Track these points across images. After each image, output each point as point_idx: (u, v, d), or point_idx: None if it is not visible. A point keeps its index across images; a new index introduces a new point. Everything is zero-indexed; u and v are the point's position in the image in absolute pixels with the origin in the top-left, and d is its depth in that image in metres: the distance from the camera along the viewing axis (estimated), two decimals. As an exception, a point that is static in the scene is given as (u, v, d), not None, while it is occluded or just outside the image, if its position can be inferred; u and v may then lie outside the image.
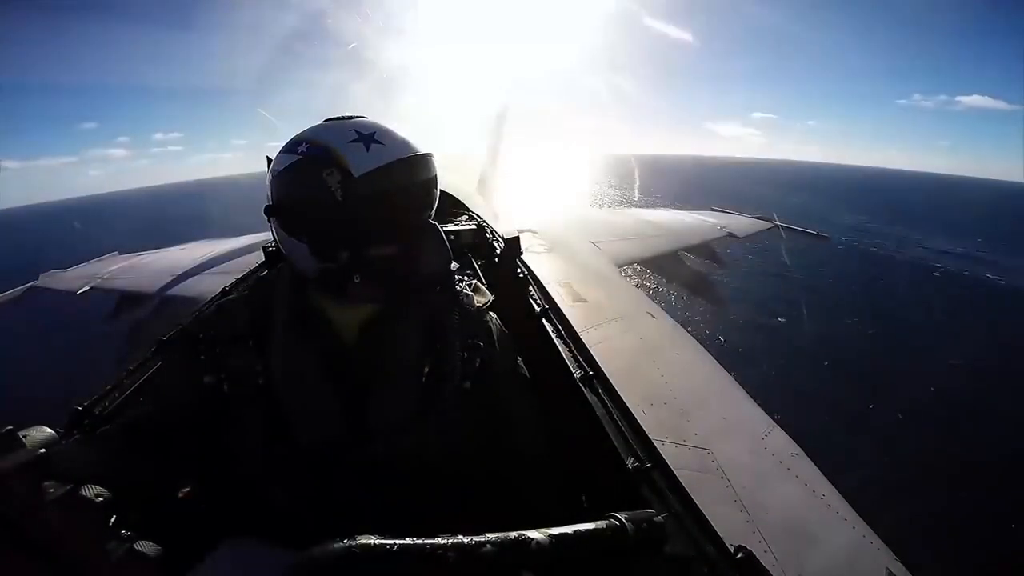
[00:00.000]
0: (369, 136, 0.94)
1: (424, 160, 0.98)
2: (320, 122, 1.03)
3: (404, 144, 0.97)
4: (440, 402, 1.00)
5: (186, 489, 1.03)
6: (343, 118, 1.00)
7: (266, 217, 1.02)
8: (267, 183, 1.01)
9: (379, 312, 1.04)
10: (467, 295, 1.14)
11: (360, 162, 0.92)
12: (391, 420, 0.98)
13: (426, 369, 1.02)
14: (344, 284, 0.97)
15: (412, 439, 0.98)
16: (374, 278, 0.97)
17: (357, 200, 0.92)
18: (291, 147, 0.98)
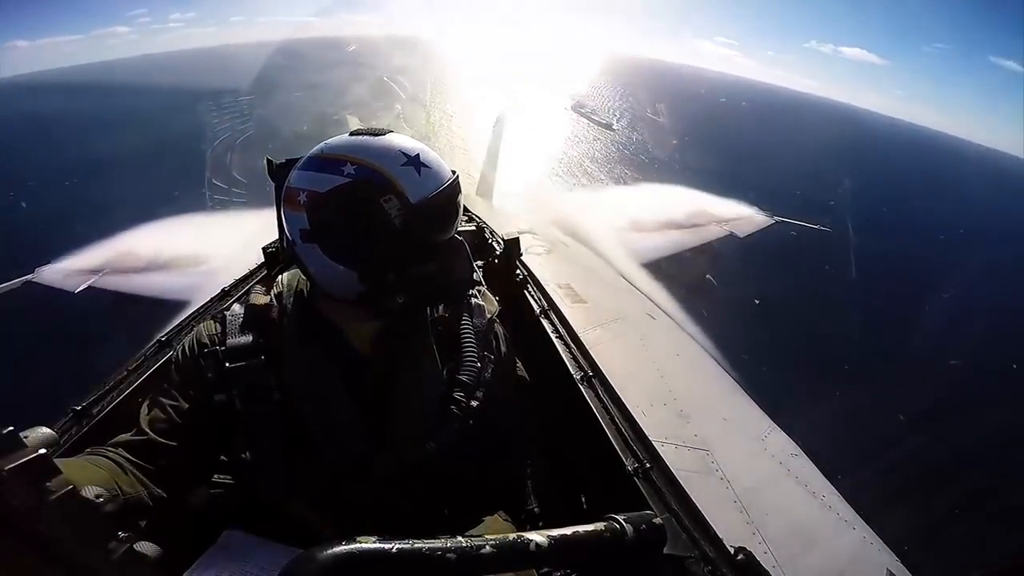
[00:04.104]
0: (416, 159, 0.93)
1: (458, 179, 1.00)
2: (346, 136, 0.98)
3: (442, 164, 0.97)
4: (457, 414, 0.99)
5: (196, 499, 1.02)
6: (372, 132, 0.97)
7: (291, 241, 0.97)
8: (293, 200, 0.94)
9: (393, 323, 1.03)
10: (479, 305, 1.13)
11: (416, 188, 0.91)
12: (412, 432, 0.96)
13: (443, 379, 1.01)
14: (387, 303, 0.97)
15: (428, 450, 0.96)
16: (415, 295, 0.98)
17: (414, 226, 0.92)
18: (330, 166, 0.92)
